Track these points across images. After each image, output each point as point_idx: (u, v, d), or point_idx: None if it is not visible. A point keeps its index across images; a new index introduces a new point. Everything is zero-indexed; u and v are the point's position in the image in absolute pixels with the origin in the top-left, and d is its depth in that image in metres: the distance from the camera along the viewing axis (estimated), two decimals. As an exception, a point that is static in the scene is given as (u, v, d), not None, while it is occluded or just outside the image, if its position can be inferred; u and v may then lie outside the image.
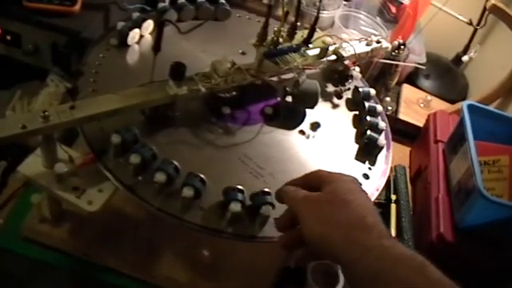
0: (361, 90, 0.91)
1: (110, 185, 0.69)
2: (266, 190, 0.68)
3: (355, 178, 0.61)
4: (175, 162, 0.68)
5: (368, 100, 0.90)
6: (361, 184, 0.61)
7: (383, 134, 0.86)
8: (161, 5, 0.93)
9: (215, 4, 0.98)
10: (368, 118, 0.86)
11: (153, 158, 0.68)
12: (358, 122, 0.89)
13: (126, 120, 0.71)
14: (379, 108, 0.89)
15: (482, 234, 0.87)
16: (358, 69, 0.96)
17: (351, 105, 0.92)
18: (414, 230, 0.96)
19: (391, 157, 0.86)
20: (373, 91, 0.92)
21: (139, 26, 0.88)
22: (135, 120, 0.73)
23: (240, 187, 0.68)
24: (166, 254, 0.82)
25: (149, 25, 0.89)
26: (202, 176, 0.68)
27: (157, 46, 0.70)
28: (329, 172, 0.61)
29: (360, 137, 0.86)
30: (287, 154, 0.79)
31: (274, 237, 0.67)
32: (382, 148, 0.84)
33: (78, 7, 0.97)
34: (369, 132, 0.84)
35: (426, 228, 0.91)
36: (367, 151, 0.84)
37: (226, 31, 0.98)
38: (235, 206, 0.65)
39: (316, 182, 0.60)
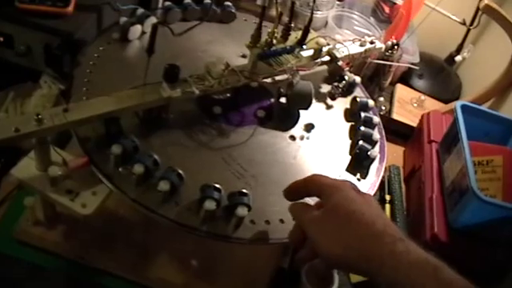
0: (358, 100, 0.90)
1: (104, 188, 0.69)
2: (244, 190, 0.68)
3: (352, 183, 0.62)
4: (155, 156, 0.68)
5: (365, 111, 0.89)
6: (357, 187, 0.61)
7: (377, 146, 0.84)
8: (166, 3, 0.93)
9: (221, 6, 0.99)
10: (362, 128, 0.84)
11: (134, 150, 0.68)
12: (353, 132, 0.88)
13: (121, 122, 0.71)
14: (376, 119, 0.87)
15: (475, 234, 0.87)
16: (358, 78, 0.94)
17: (349, 116, 0.91)
18: (408, 230, 0.96)
19: (383, 170, 0.84)
20: (371, 102, 0.90)
21: (142, 23, 0.89)
22: (129, 122, 0.73)
23: (217, 186, 0.68)
24: (161, 256, 0.82)
25: (151, 21, 0.89)
26: (179, 171, 0.68)
27: (150, 49, 0.70)
28: (326, 179, 0.61)
29: (353, 147, 0.84)
30: (273, 157, 0.78)
31: (247, 238, 0.67)
32: (374, 160, 0.82)
33: (70, 8, 0.96)
34: (361, 142, 0.82)
35: (420, 228, 0.91)
36: (358, 161, 0.82)
37: (230, 33, 0.98)
38: (210, 204, 0.65)
39: (316, 192, 0.61)
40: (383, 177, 1.02)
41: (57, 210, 0.78)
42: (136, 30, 0.88)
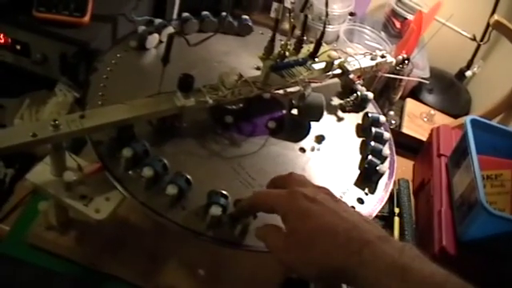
0: (370, 115, 0.90)
1: (118, 193, 0.70)
2: None
3: (302, 190, 0.59)
4: (164, 160, 0.69)
5: (377, 126, 0.89)
6: (307, 186, 0.61)
7: (387, 162, 0.85)
8: (184, 14, 0.95)
9: (238, 19, 1.00)
10: (372, 143, 0.85)
11: (145, 154, 0.69)
12: (364, 147, 0.88)
13: (135, 130, 0.72)
14: (386, 135, 0.87)
15: (484, 248, 0.87)
16: (371, 94, 0.95)
17: (361, 131, 0.91)
18: (417, 243, 0.97)
19: (392, 185, 0.84)
20: (382, 118, 0.90)
21: (159, 32, 0.91)
22: (143, 130, 0.74)
23: (224, 192, 0.68)
24: (170, 264, 0.83)
25: (169, 31, 0.91)
26: (187, 176, 0.68)
27: (165, 58, 0.71)
28: (271, 197, 0.61)
29: (363, 162, 0.84)
30: (282, 168, 0.79)
31: (253, 245, 0.68)
32: (382, 175, 0.83)
33: (87, 18, 0.98)
34: (370, 157, 0.82)
35: (428, 241, 0.92)
36: (367, 176, 0.82)
37: (245, 46, 0.99)
38: (216, 210, 0.66)
39: (268, 211, 0.61)
40: (392, 190, 1.02)
41: (70, 216, 0.79)
42: (153, 38, 0.90)
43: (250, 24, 1.02)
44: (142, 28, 0.90)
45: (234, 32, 1.01)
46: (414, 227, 1.02)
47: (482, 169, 0.90)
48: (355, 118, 0.93)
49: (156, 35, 0.90)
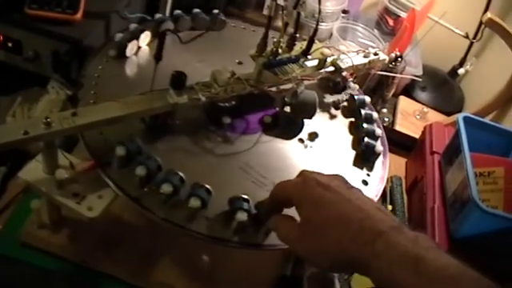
0: (356, 97, 0.92)
1: (110, 191, 0.70)
2: None
3: (317, 174, 0.59)
4: (180, 173, 0.68)
5: (363, 108, 0.91)
6: (322, 175, 0.60)
7: (379, 141, 0.87)
8: (157, 15, 0.93)
9: (210, 14, 0.99)
10: (365, 125, 0.87)
11: (158, 168, 0.69)
12: (354, 129, 0.90)
13: (127, 127, 0.72)
14: (375, 115, 0.91)
15: (477, 245, 0.87)
16: (368, 98, 0.95)
17: (347, 112, 0.93)
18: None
19: (388, 163, 0.87)
20: (368, 98, 0.93)
21: (137, 38, 0.89)
22: (136, 128, 0.74)
23: (245, 196, 0.69)
24: (164, 262, 0.82)
25: (146, 36, 0.90)
26: (207, 186, 0.68)
27: (158, 55, 0.71)
28: (288, 186, 0.61)
29: (357, 144, 0.87)
30: (287, 162, 0.80)
31: (278, 244, 0.67)
32: (379, 154, 0.85)
33: (79, 15, 0.98)
34: (366, 139, 0.85)
35: (421, 238, 0.92)
36: (365, 158, 0.84)
37: (222, 41, 0.99)
38: (242, 216, 0.66)
39: (286, 203, 0.61)
40: (385, 187, 1.02)
41: (62, 214, 0.79)
42: (133, 45, 0.88)
43: (223, 18, 1.00)
44: (119, 36, 0.87)
45: (207, 28, 0.99)
46: (406, 224, 1.02)
47: (475, 166, 0.90)
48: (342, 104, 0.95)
49: (135, 41, 0.88)
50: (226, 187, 0.72)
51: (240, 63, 0.92)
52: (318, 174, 0.60)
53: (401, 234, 0.51)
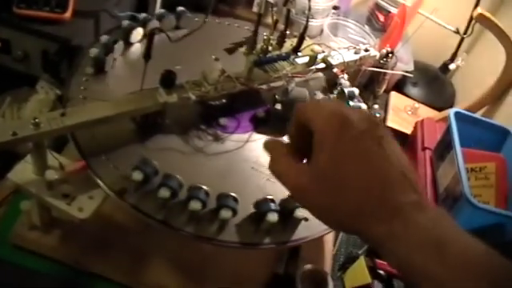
0: (346, 90, 0.92)
1: (101, 192, 0.69)
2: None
3: (355, 120, 0.45)
4: (204, 187, 0.67)
5: (352, 99, 0.92)
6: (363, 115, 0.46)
7: None
8: (142, 15, 0.91)
9: (175, 13, 0.97)
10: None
11: (179, 186, 0.68)
12: None
13: (117, 127, 0.71)
14: (363, 106, 0.91)
15: (468, 241, 0.88)
16: (357, 90, 0.95)
17: None
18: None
19: None
20: (356, 90, 0.93)
21: (111, 50, 0.86)
22: (126, 127, 0.74)
23: (270, 197, 0.69)
24: (156, 261, 0.82)
25: (120, 46, 0.88)
26: (233, 195, 0.68)
27: (147, 55, 0.71)
28: (320, 118, 0.46)
29: None
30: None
31: (308, 236, 0.68)
32: None
33: (68, 14, 0.97)
34: None
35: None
36: None
37: (193, 38, 0.97)
38: (273, 217, 0.66)
39: (308, 127, 0.48)
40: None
41: (52, 215, 0.78)
42: (110, 59, 0.86)
43: (189, 15, 0.97)
44: (95, 51, 0.83)
45: (174, 26, 0.97)
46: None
47: (467, 162, 0.91)
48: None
49: (111, 54, 0.86)
50: (244, 190, 0.71)
51: (217, 59, 0.88)
52: (353, 111, 0.47)
53: (421, 212, 0.44)
